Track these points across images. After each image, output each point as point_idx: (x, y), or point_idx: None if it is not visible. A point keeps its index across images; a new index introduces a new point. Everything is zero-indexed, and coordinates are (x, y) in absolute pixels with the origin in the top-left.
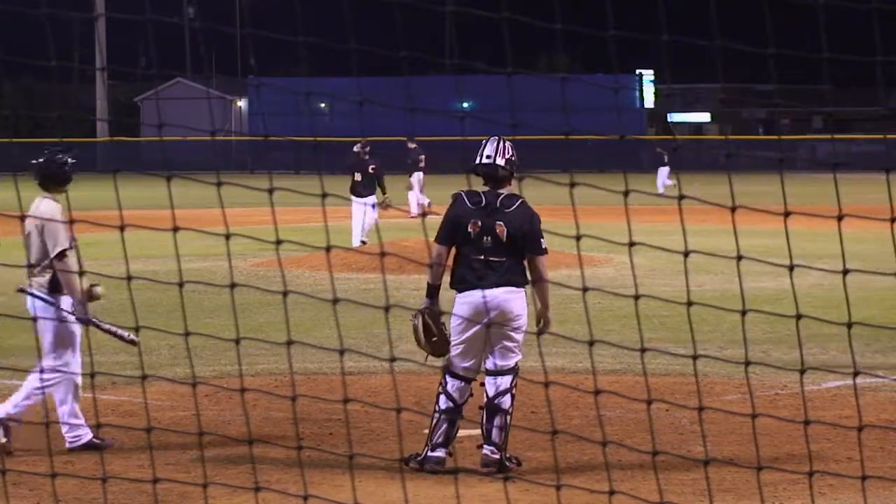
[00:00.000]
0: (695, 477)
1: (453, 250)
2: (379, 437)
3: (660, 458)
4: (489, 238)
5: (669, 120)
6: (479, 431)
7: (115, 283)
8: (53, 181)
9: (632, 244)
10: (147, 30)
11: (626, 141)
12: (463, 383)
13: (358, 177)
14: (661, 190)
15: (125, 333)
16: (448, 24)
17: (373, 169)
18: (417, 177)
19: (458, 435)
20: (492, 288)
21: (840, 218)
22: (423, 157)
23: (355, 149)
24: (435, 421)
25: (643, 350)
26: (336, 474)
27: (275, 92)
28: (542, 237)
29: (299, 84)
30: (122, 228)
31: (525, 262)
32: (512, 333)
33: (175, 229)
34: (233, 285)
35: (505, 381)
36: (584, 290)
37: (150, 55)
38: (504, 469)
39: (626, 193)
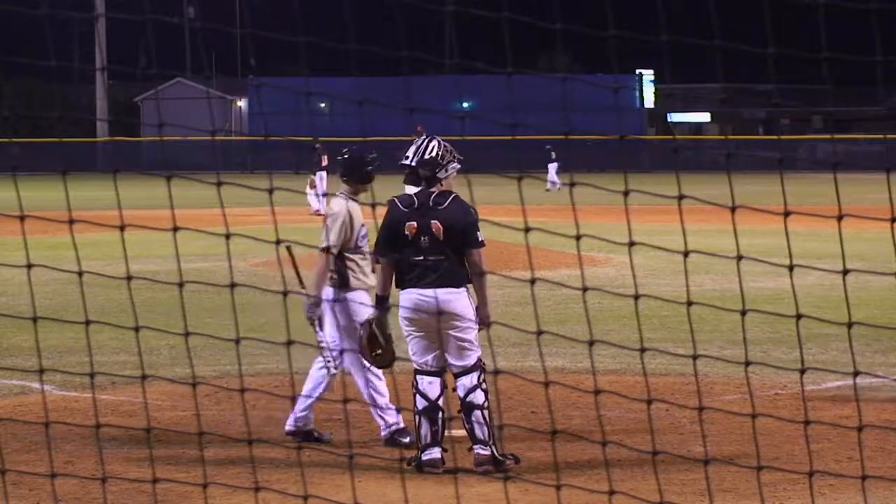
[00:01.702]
0: (695, 477)
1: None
2: (379, 438)
3: (660, 458)
4: (426, 238)
5: (669, 120)
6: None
7: (116, 283)
8: (355, 177)
9: (632, 244)
10: (147, 30)
11: (626, 141)
12: (432, 379)
13: None
14: (557, 186)
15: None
16: (448, 24)
17: None
18: (321, 175)
19: (457, 434)
20: (432, 288)
21: (840, 218)
22: (325, 157)
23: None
24: (417, 423)
25: (643, 350)
26: (336, 474)
27: (275, 92)
28: (479, 230)
29: (299, 84)
30: (122, 228)
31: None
32: (460, 334)
33: (175, 229)
34: (233, 285)
35: (471, 379)
36: (584, 289)
37: (150, 55)
38: (499, 464)
39: (626, 193)
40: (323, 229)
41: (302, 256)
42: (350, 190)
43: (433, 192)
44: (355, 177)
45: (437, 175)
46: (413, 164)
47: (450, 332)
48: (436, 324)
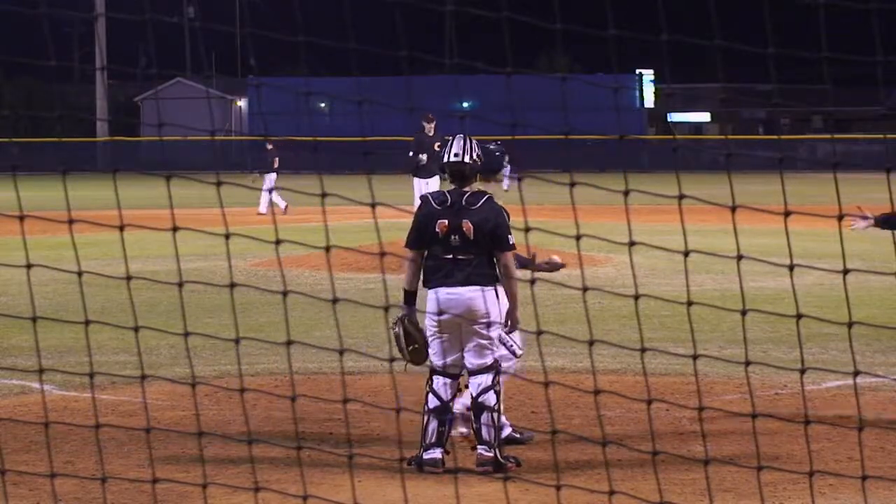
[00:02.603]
0: (695, 477)
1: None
2: (379, 437)
3: (660, 458)
4: (457, 237)
5: (669, 120)
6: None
7: (115, 283)
8: (488, 171)
9: (632, 244)
10: (147, 30)
11: (626, 141)
12: (448, 380)
13: (423, 158)
14: (506, 187)
15: (510, 344)
16: (448, 24)
17: (438, 147)
18: (271, 177)
19: (458, 435)
20: (457, 286)
21: (840, 218)
22: (277, 158)
23: (424, 124)
24: (425, 421)
25: (643, 350)
26: (336, 474)
27: (275, 92)
28: (510, 233)
29: (299, 84)
30: (121, 228)
31: (495, 260)
32: (483, 331)
33: (175, 229)
34: (232, 285)
35: (485, 379)
36: (584, 289)
37: (150, 55)
38: (500, 466)
39: (626, 193)
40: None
41: (300, 256)
42: (486, 186)
43: (466, 192)
44: (489, 170)
45: (477, 173)
46: (467, 161)
47: (473, 329)
48: (460, 323)
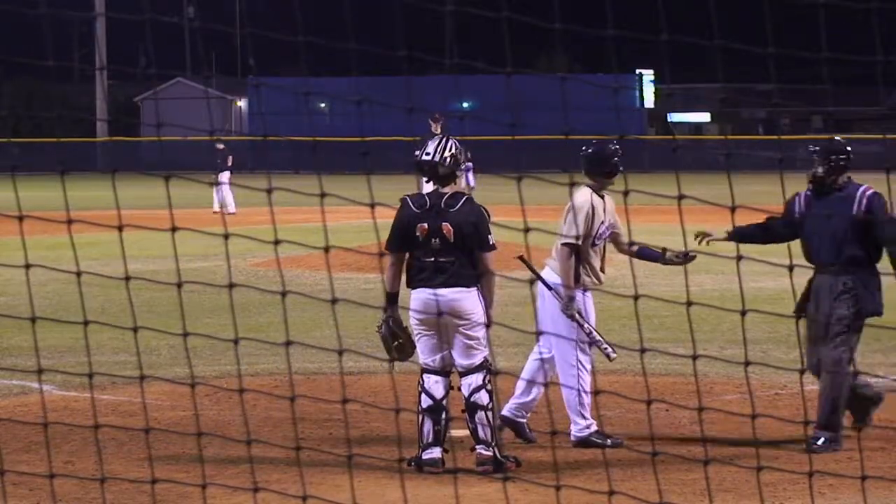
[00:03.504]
0: (695, 477)
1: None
2: (379, 437)
3: (660, 458)
4: (437, 240)
5: (669, 120)
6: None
7: (115, 283)
8: (600, 172)
9: (632, 244)
10: (147, 30)
11: (626, 141)
12: (439, 378)
13: None
14: (473, 187)
15: (604, 345)
16: (448, 24)
17: None
18: (226, 176)
19: (458, 435)
20: (441, 288)
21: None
22: (230, 157)
23: (430, 123)
24: (420, 421)
25: (643, 350)
26: (336, 474)
27: (275, 92)
28: (490, 233)
29: (299, 84)
30: (121, 228)
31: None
32: (468, 331)
33: (174, 229)
34: (232, 285)
35: (476, 379)
36: (585, 289)
37: (149, 55)
38: (500, 465)
39: (625, 193)
40: (564, 223)
41: (300, 256)
42: (594, 185)
43: (445, 194)
44: (600, 171)
45: (456, 173)
46: (437, 160)
47: (458, 330)
48: (444, 323)
